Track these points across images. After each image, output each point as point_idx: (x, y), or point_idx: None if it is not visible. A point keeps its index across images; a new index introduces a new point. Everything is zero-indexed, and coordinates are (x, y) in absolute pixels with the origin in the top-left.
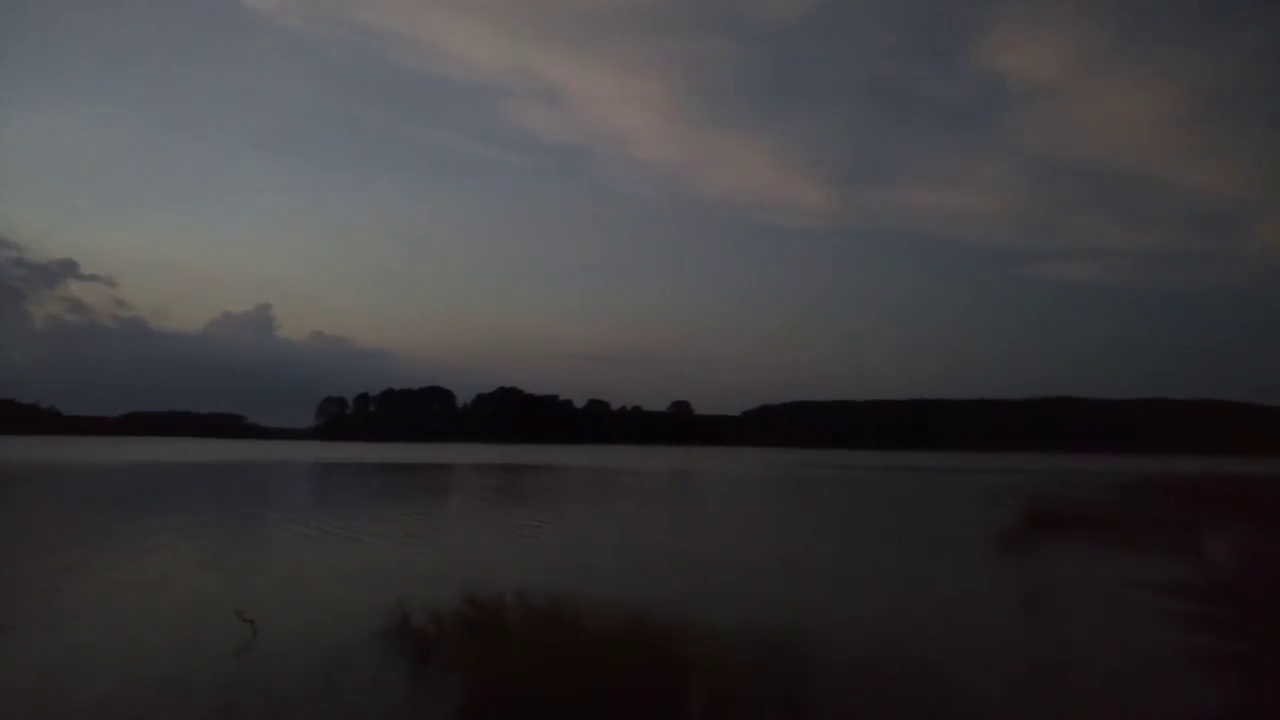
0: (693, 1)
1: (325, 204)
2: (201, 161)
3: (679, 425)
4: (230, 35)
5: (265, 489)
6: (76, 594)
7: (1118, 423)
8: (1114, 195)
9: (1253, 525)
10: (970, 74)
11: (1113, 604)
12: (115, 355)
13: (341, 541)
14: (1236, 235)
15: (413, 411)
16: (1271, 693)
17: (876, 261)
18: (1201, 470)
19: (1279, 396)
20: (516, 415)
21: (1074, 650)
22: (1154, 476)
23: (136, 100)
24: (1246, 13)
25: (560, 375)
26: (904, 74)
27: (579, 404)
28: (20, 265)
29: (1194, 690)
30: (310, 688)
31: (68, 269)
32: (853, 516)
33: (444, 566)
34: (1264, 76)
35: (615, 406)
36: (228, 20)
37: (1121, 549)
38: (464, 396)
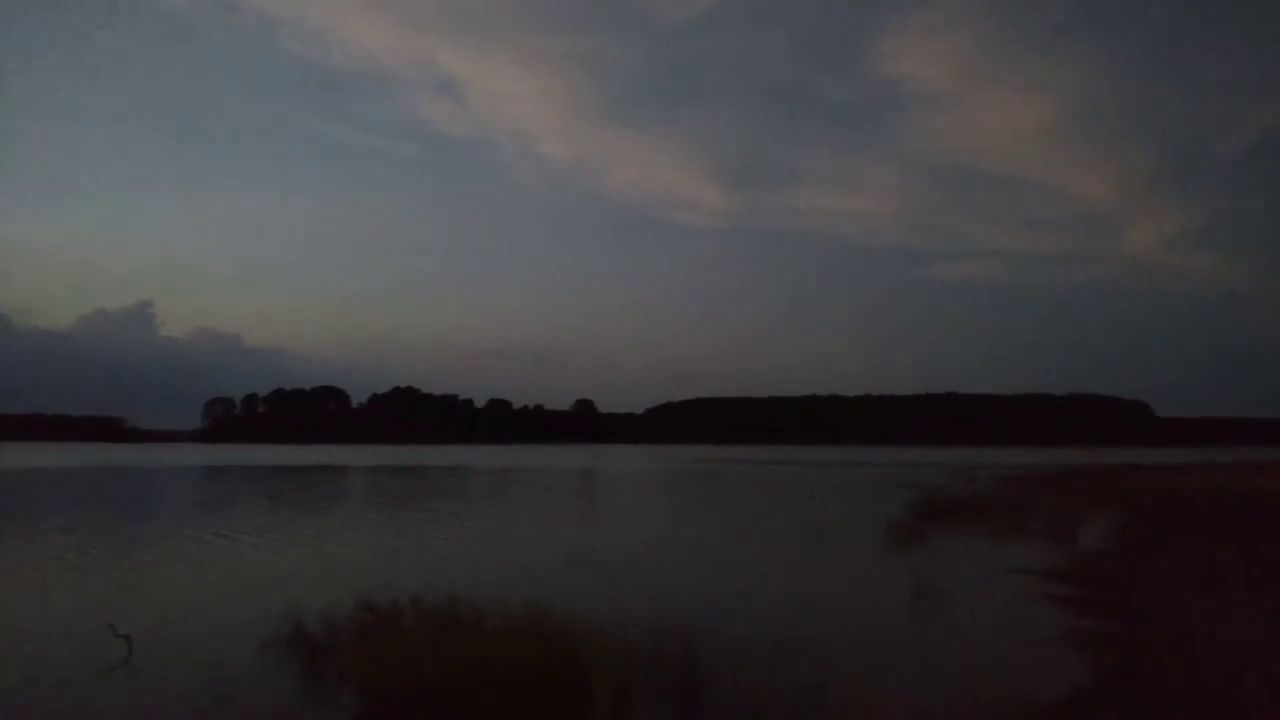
0: None
1: (210, 195)
2: (71, 147)
3: (582, 423)
4: (104, 14)
5: (141, 495)
6: None
7: (1002, 417)
8: (1000, 199)
9: (1121, 512)
10: (865, 78)
11: (993, 589)
12: None
13: (224, 549)
14: (1111, 238)
15: (305, 412)
16: (1141, 668)
17: (775, 261)
18: (1077, 461)
19: (1146, 391)
20: (414, 416)
21: (956, 634)
22: (1034, 467)
23: None
24: (1122, 28)
25: (460, 374)
26: (801, 77)
27: (479, 403)
28: None
29: (1069, 669)
30: (190, 705)
31: None
32: (748, 510)
33: (331, 572)
34: (1137, 89)
35: (517, 405)
36: None
37: (1003, 537)
38: (359, 396)
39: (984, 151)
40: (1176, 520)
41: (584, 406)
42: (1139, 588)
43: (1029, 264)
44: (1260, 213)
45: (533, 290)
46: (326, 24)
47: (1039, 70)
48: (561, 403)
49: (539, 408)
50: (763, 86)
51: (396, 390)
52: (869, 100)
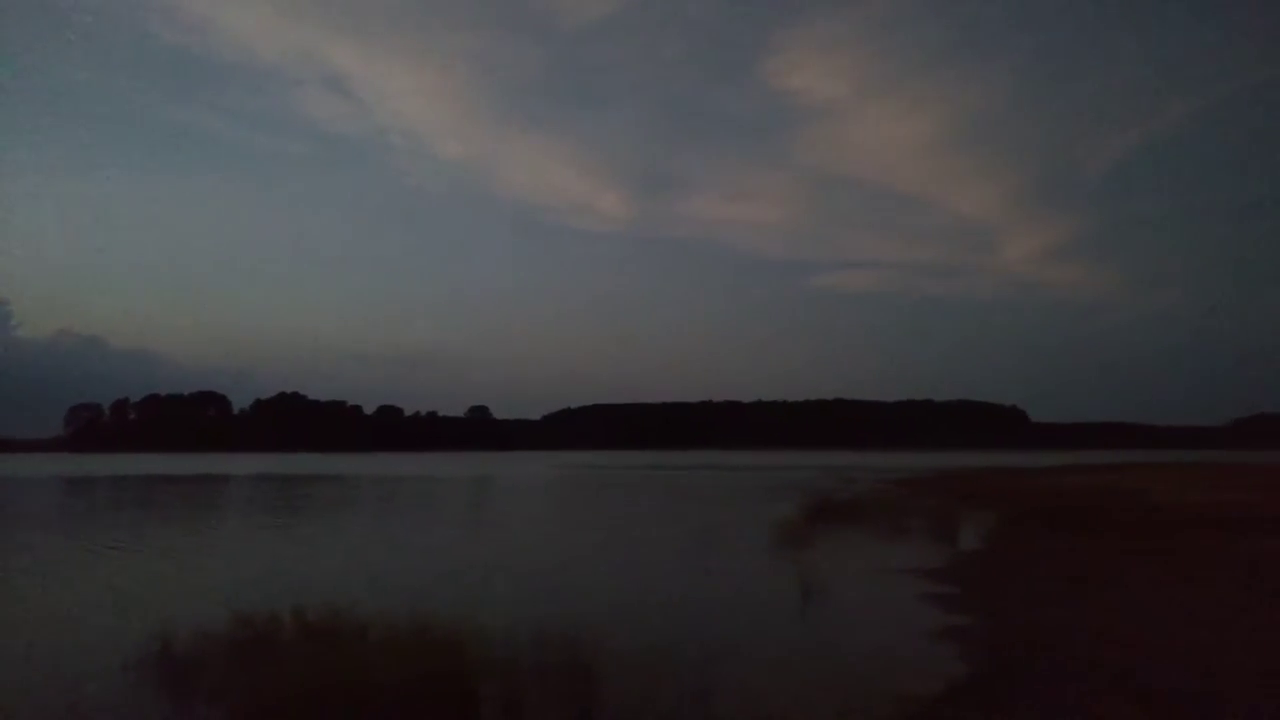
0: None
1: (74, 186)
2: None
3: (477, 430)
4: None
5: None
6: None
7: (886, 422)
8: (885, 212)
9: (996, 512)
10: (759, 90)
11: (875, 589)
12: None
13: (89, 564)
14: (988, 251)
15: (181, 419)
16: (1009, 659)
17: (671, 268)
18: (956, 464)
19: (1021, 397)
20: (300, 422)
21: (839, 633)
22: (915, 471)
23: None
24: (1001, 50)
25: (348, 379)
26: (699, 86)
27: (369, 409)
28: None
29: (944, 663)
30: None
31: None
32: (639, 515)
33: (205, 586)
34: (1014, 109)
35: (409, 412)
36: None
37: (885, 538)
38: (241, 402)
39: (870, 165)
40: (1046, 520)
41: (479, 413)
42: (1009, 585)
43: (912, 275)
44: (1125, 228)
45: (425, 293)
46: (203, 10)
47: (923, 88)
48: (456, 409)
49: (432, 414)
50: (661, 94)
51: (281, 396)
52: (762, 112)
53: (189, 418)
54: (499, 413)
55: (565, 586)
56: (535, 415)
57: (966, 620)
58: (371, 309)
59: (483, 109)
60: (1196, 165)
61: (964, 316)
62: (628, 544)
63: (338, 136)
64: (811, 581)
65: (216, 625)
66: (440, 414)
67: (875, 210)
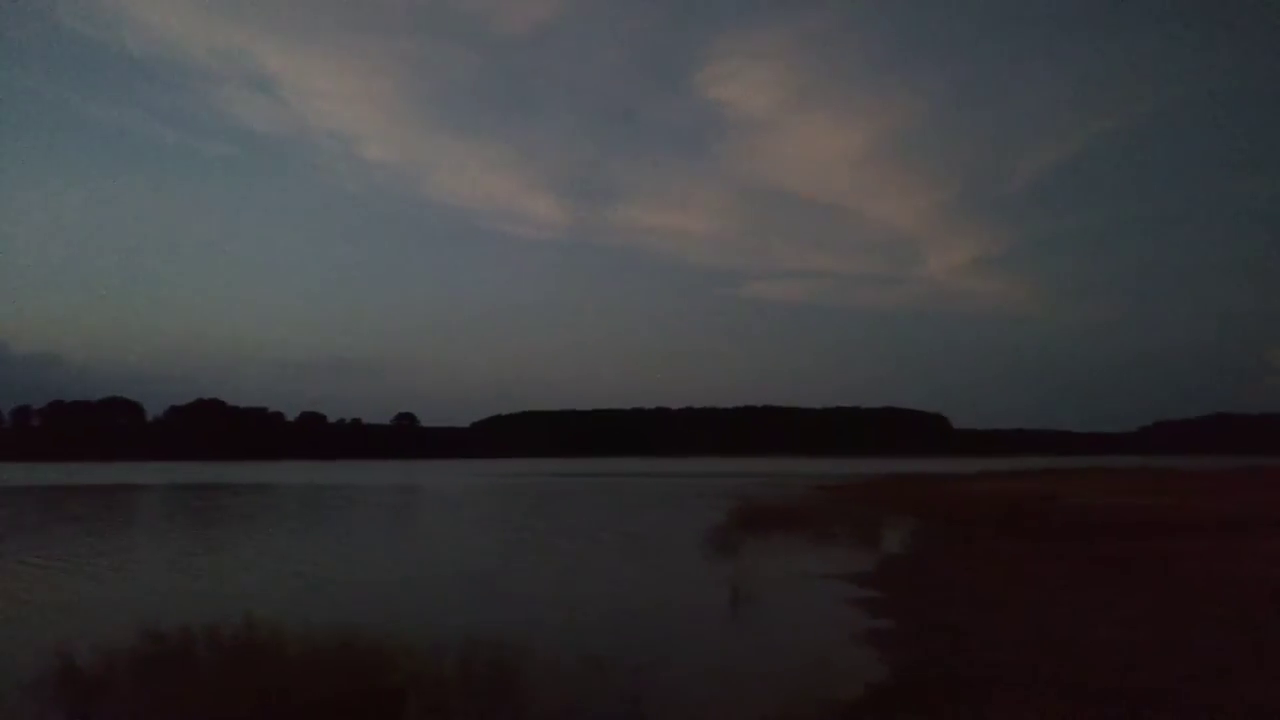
0: (424, 2)
1: None
2: None
3: (404, 438)
4: None
5: None
6: None
7: (816, 429)
8: (814, 223)
9: (921, 517)
10: (693, 101)
11: (803, 594)
12: None
13: None
14: (914, 263)
15: (91, 427)
16: (933, 661)
17: (603, 275)
18: (883, 470)
19: (945, 405)
20: (219, 430)
21: (768, 639)
22: (844, 477)
23: None
24: (930, 66)
25: (270, 385)
26: (632, 95)
27: (291, 416)
28: None
29: (869, 666)
30: None
31: None
32: (569, 523)
33: (114, 600)
34: (941, 124)
35: (333, 419)
36: None
37: (814, 543)
38: (155, 409)
39: (801, 177)
40: (969, 523)
41: (406, 420)
42: (931, 589)
43: (840, 285)
44: (1046, 241)
45: (352, 298)
46: (120, 3)
47: (853, 102)
48: (382, 416)
49: (356, 421)
50: (595, 102)
51: (199, 402)
52: (695, 122)
53: (98, 425)
54: (427, 420)
55: (493, 597)
56: (464, 423)
57: (889, 624)
58: (296, 314)
59: (414, 113)
60: (1111, 182)
61: (891, 326)
62: (555, 552)
63: (262, 138)
64: (739, 587)
65: (123, 642)
66: (366, 421)
67: (805, 221)
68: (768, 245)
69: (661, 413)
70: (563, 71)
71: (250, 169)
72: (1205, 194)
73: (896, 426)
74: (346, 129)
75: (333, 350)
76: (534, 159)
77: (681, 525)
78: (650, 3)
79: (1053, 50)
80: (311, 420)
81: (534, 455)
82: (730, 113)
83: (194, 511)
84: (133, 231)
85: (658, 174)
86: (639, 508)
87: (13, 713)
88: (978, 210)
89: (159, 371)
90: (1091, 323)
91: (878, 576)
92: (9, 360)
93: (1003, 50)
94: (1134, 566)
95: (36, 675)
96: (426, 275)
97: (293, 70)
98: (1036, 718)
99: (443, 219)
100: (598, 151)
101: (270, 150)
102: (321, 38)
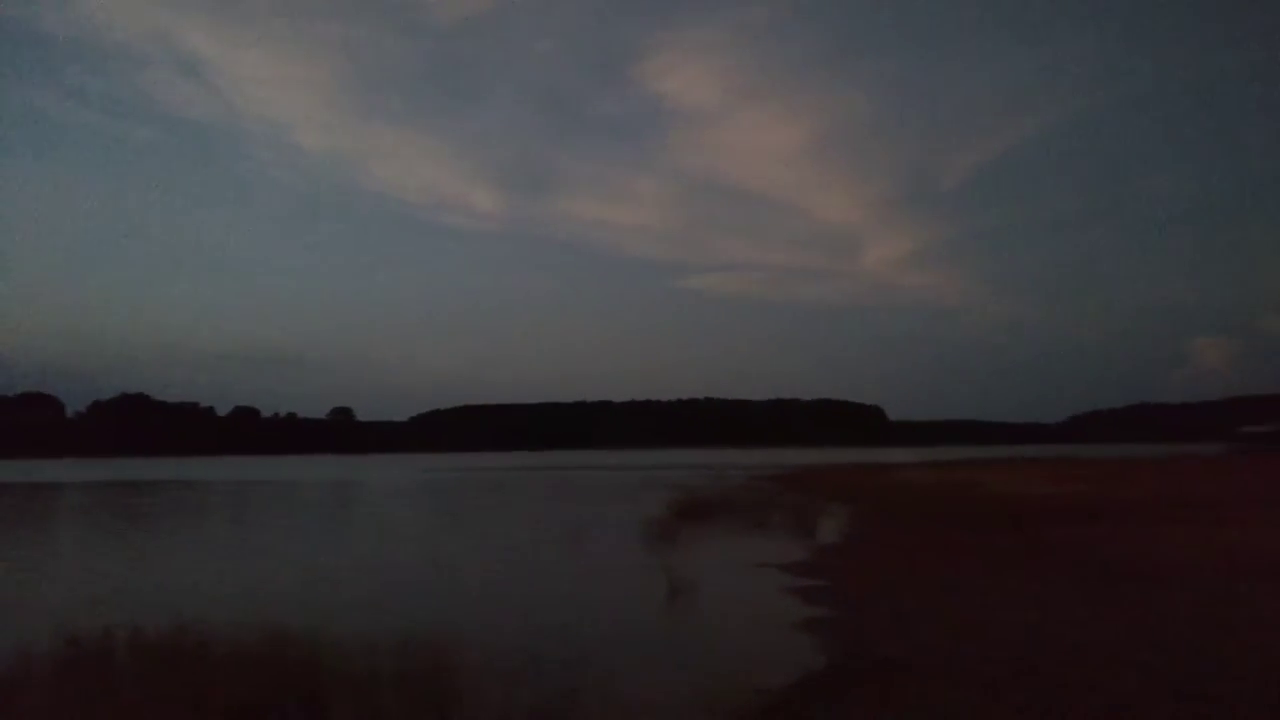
0: None
1: None
2: None
3: (341, 433)
4: None
5: None
6: None
7: (755, 420)
8: (755, 217)
9: (856, 506)
10: (634, 92)
11: (740, 583)
12: None
13: None
14: (851, 257)
15: (6, 422)
16: (868, 648)
17: (544, 267)
18: (820, 460)
19: (880, 397)
20: (146, 425)
21: (706, 629)
22: (782, 467)
23: None
24: (867, 64)
25: (202, 380)
26: (573, 86)
27: (222, 411)
28: None
29: (805, 654)
30: None
31: None
32: (508, 517)
33: (27, 601)
34: (878, 122)
35: (266, 414)
36: None
37: (752, 533)
38: (77, 404)
39: (741, 170)
40: (903, 512)
41: (342, 415)
42: (867, 577)
43: (780, 278)
44: (977, 237)
45: (286, 290)
46: None
47: (793, 98)
48: (317, 411)
49: (291, 416)
50: (535, 93)
51: (124, 397)
52: (637, 114)
53: (13, 421)
54: (364, 415)
55: (426, 592)
56: (402, 417)
57: (824, 611)
58: (227, 306)
59: (349, 101)
60: (1039, 179)
61: (828, 319)
62: (491, 546)
63: (191, 123)
64: (678, 578)
65: (39, 642)
66: (301, 416)
67: (746, 214)
68: (709, 238)
69: (604, 405)
70: (501, 61)
71: (176, 155)
72: (1126, 191)
73: (834, 418)
74: (279, 115)
75: (267, 343)
76: (473, 149)
77: (621, 517)
78: None
79: (983, 53)
80: (244, 415)
81: (474, 450)
82: (671, 105)
83: (114, 509)
84: (51, 218)
85: (599, 166)
86: (578, 500)
87: None
88: (914, 206)
89: (81, 365)
90: (1021, 316)
91: (813, 565)
92: None
93: (937, 52)
94: (1056, 552)
95: None
96: (363, 266)
97: (222, 53)
98: (960, 698)
99: (379, 209)
100: (538, 143)
101: (198, 136)
102: (252, 21)
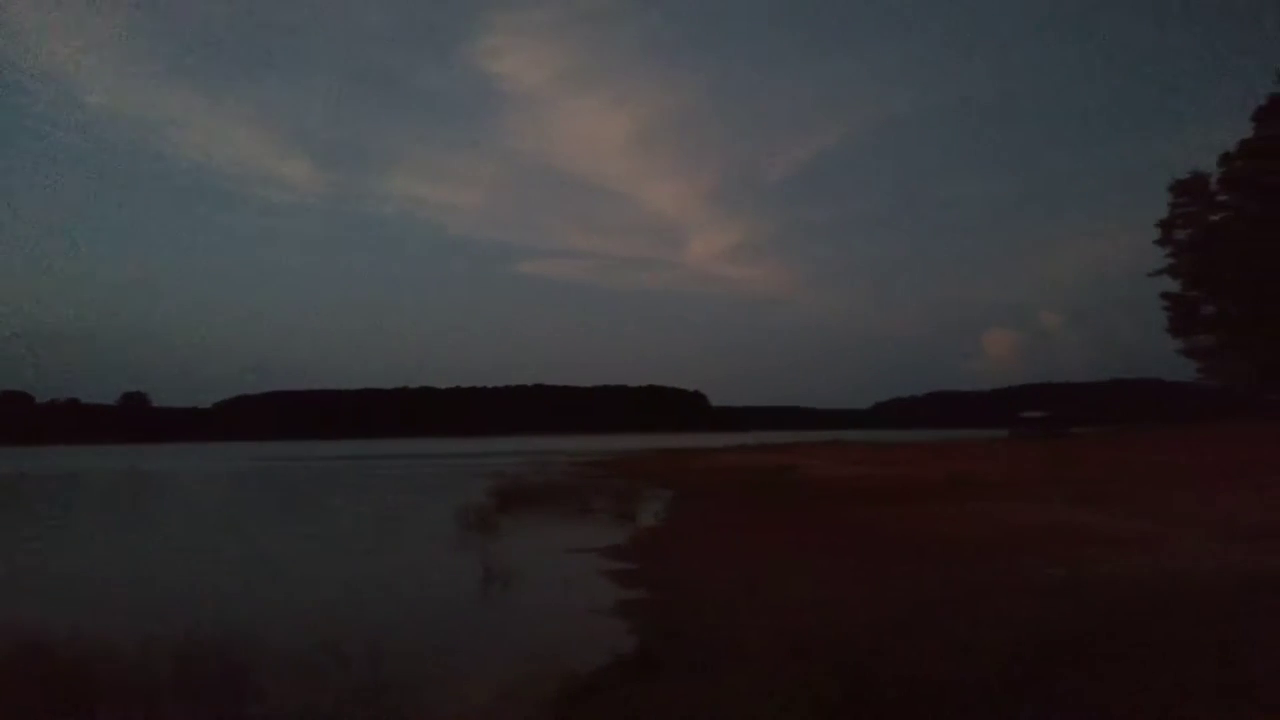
0: None
1: None
2: None
3: (132, 420)
4: None
5: None
6: None
7: (583, 407)
8: (584, 203)
9: (677, 489)
10: (467, 70)
11: (558, 568)
12: None
13: None
14: (677, 247)
15: None
16: (683, 630)
17: (364, 245)
18: (645, 445)
19: (703, 383)
20: None
21: (520, 615)
22: (608, 453)
23: None
24: (700, 54)
25: None
26: (400, 60)
27: None
28: None
29: (620, 637)
30: None
31: None
32: (318, 508)
33: None
34: (707, 113)
35: (42, 400)
36: None
37: (572, 518)
38: None
39: (572, 156)
40: (720, 494)
41: (134, 400)
42: (682, 558)
43: (608, 266)
44: (797, 231)
45: (68, 264)
46: None
47: (625, 85)
48: (105, 396)
49: (73, 401)
50: (359, 65)
51: None
52: (467, 93)
53: None
54: (161, 400)
55: (224, 589)
56: (206, 403)
57: (639, 594)
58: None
59: (146, 60)
60: (855, 178)
61: (654, 308)
62: (298, 539)
63: None
64: (493, 565)
65: None
66: (84, 401)
67: (576, 200)
68: (538, 223)
69: (427, 392)
70: (323, 30)
71: None
72: (932, 192)
73: (658, 404)
74: (61, 71)
75: (46, 321)
76: (286, 119)
77: (437, 506)
78: None
79: (806, 53)
80: (15, 399)
81: (285, 438)
82: (504, 86)
83: None
84: None
85: (426, 143)
86: (393, 490)
87: None
88: (738, 198)
89: None
90: (835, 308)
91: (630, 549)
92: None
93: (765, 49)
94: (860, 530)
95: None
96: (162, 237)
97: None
98: (773, 675)
99: (182, 178)
100: (361, 115)
101: None
102: None
